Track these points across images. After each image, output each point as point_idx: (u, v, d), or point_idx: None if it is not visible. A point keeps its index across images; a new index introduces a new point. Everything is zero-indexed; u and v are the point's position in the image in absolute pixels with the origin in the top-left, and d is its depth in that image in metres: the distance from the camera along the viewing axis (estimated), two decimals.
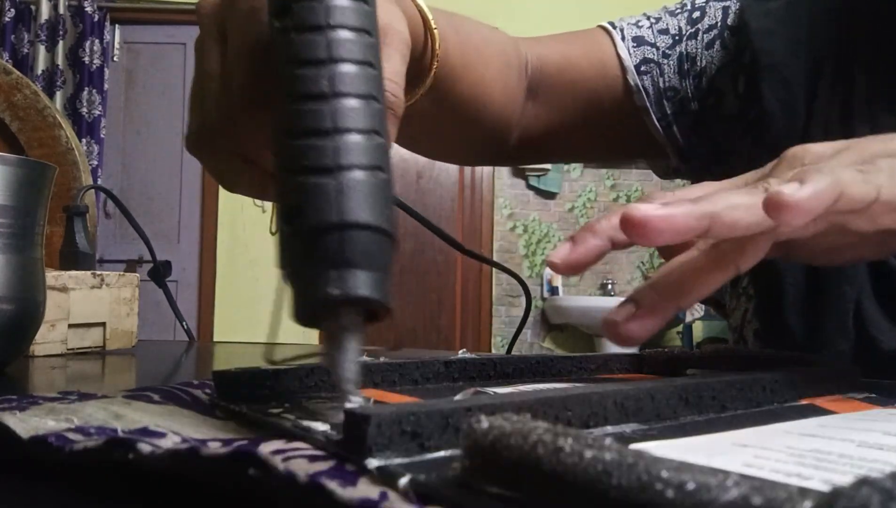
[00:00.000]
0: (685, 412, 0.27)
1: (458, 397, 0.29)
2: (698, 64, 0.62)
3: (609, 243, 0.33)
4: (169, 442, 0.21)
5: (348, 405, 0.23)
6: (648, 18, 0.65)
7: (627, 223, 0.28)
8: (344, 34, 0.27)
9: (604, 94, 0.63)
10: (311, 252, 0.25)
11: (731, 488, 0.12)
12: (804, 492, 0.12)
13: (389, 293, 0.26)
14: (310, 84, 0.26)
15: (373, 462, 0.18)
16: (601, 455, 0.14)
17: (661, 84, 0.62)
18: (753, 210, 0.29)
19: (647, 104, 0.63)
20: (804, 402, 0.32)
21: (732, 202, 0.29)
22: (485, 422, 0.17)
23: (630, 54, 0.63)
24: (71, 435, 0.23)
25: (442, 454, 0.19)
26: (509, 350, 0.73)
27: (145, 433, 0.22)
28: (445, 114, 0.55)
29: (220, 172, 0.37)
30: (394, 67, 0.34)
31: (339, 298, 0.25)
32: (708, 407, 0.28)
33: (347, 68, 0.27)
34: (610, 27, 0.64)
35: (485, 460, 0.16)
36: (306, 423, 0.23)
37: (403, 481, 0.16)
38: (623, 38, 0.63)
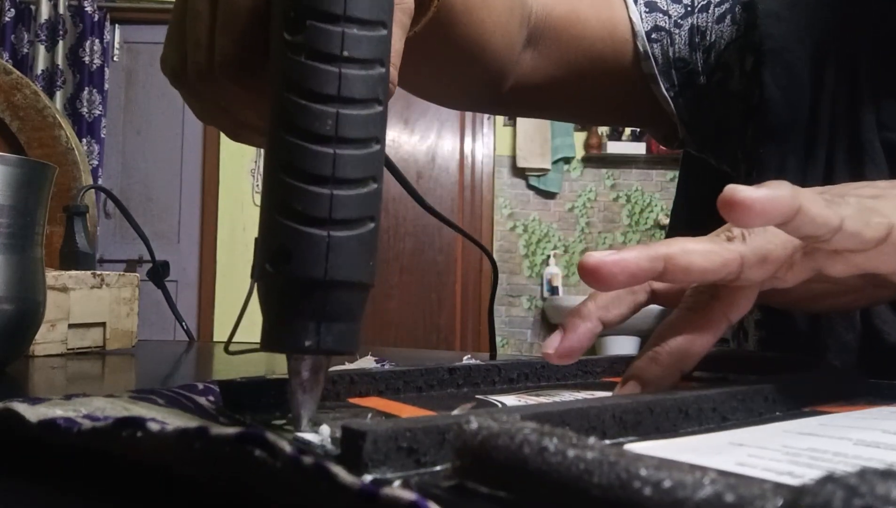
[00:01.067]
0: (685, 424, 0.27)
1: (456, 411, 0.29)
2: (708, 38, 0.61)
3: (599, 324, 0.34)
4: (178, 424, 0.22)
5: (301, 435, 0.24)
6: None
7: (582, 271, 0.29)
8: (356, 70, 0.26)
9: (609, 55, 0.62)
10: (293, 302, 0.26)
11: (707, 485, 0.13)
12: (778, 489, 0.12)
13: (357, 340, 0.27)
14: (314, 122, 0.25)
15: (368, 478, 0.18)
16: (583, 454, 0.15)
17: (671, 54, 0.61)
18: (710, 256, 0.30)
19: (656, 72, 0.61)
20: (806, 411, 0.32)
21: (688, 247, 0.30)
22: (474, 423, 0.17)
23: (642, 19, 0.61)
24: (80, 419, 0.23)
25: (438, 468, 0.19)
26: (490, 317, 0.72)
27: (153, 420, 0.22)
28: (440, 53, 0.53)
29: (193, 106, 0.36)
30: (393, 47, 0.31)
31: (313, 350, 0.26)
32: (708, 419, 0.28)
33: (355, 111, 0.26)
34: None
35: (474, 460, 0.16)
36: (306, 436, 0.24)
37: (396, 483, 0.17)
38: (636, 1, 0.62)
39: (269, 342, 0.26)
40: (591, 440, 0.15)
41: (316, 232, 0.25)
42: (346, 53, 0.26)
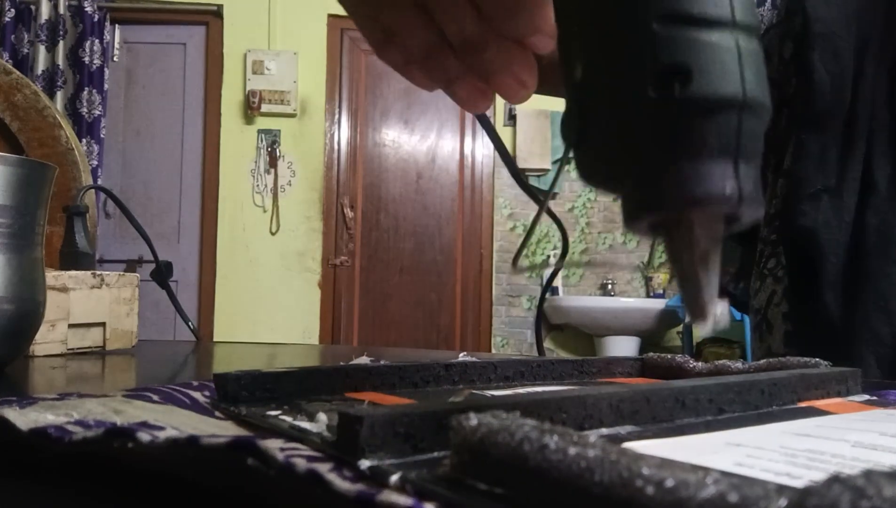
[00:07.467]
0: (681, 414, 0.27)
1: (451, 399, 0.29)
2: None
3: None
4: (168, 433, 0.21)
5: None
6: None
7: None
8: None
9: None
10: (697, 135, 0.19)
11: (710, 485, 0.13)
12: (781, 489, 0.12)
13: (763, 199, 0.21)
14: None
15: (365, 463, 0.18)
16: (585, 452, 0.14)
17: None
18: None
19: None
20: (803, 405, 0.32)
21: None
22: (473, 419, 0.17)
23: None
24: (71, 427, 0.23)
25: (435, 454, 0.19)
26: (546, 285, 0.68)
27: (144, 426, 0.22)
28: None
29: (363, 31, 0.34)
30: None
31: (733, 197, 0.20)
32: (705, 410, 0.28)
33: None
34: None
35: (473, 456, 0.16)
36: (303, 425, 0.23)
37: (394, 478, 0.16)
38: None
39: (658, 197, 0.20)
40: (593, 437, 0.15)
41: (723, 39, 0.20)
42: None
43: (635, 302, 3.61)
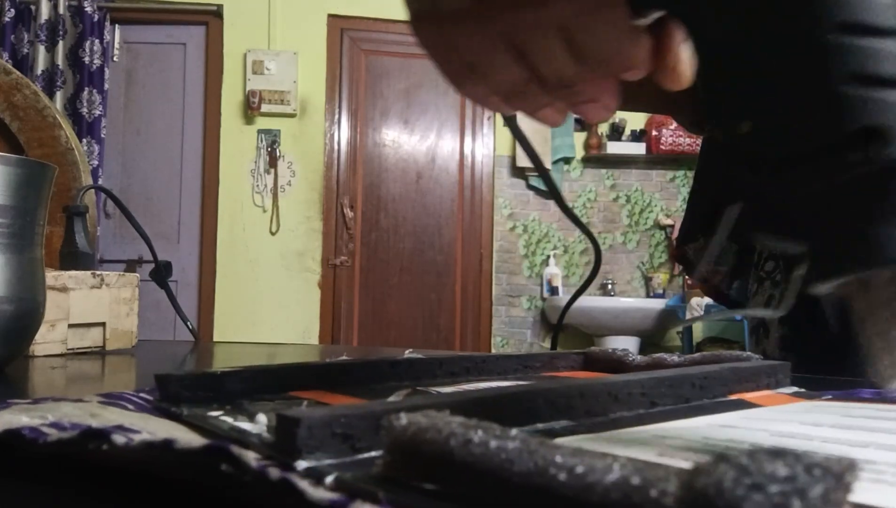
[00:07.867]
0: (615, 408, 0.28)
1: (392, 398, 0.30)
2: None
3: None
4: (144, 436, 0.21)
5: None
6: None
7: None
8: None
9: None
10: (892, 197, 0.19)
11: (616, 470, 0.14)
12: (680, 471, 0.13)
13: None
14: None
15: (302, 464, 0.18)
16: (504, 445, 0.15)
17: None
18: None
19: None
20: (733, 397, 0.33)
21: None
22: (403, 419, 0.17)
23: None
24: (45, 429, 0.23)
25: (373, 454, 0.20)
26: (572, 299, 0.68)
27: (120, 429, 0.22)
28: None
29: (441, 66, 0.33)
30: None
31: None
32: (638, 404, 0.29)
33: None
34: None
35: (405, 455, 0.17)
36: (243, 426, 0.24)
37: (329, 479, 0.17)
38: None
39: (857, 258, 0.20)
40: (514, 431, 0.16)
41: None
42: None
43: (635, 302, 3.61)
